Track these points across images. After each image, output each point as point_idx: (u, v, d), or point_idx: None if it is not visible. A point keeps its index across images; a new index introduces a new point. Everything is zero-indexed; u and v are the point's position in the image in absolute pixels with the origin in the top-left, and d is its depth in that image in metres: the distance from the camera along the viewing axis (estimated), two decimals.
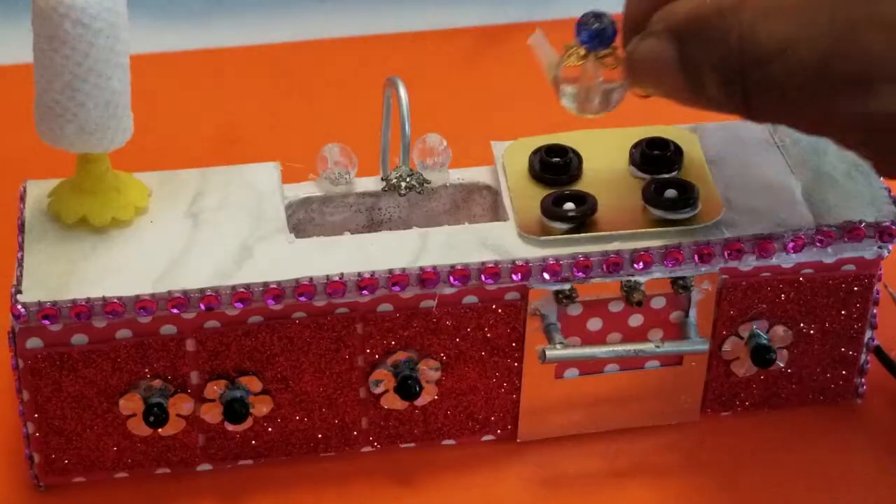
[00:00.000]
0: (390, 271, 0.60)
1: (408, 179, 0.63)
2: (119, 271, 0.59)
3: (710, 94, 0.54)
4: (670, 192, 0.62)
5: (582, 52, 0.60)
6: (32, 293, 0.58)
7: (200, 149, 0.80)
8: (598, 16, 0.59)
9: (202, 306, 0.59)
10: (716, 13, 0.53)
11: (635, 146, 0.64)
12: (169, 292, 0.59)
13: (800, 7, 0.52)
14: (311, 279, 0.59)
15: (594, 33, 0.59)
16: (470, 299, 0.61)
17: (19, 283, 0.59)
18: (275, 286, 0.59)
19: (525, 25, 0.91)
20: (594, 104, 0.60)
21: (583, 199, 0.62)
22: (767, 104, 0.53)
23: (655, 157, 0.64)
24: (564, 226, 0.61)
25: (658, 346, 0.62)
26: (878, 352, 0.67)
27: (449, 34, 0.90)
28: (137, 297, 0.58)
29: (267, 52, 0.89)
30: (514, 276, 0.60)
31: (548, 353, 0.61)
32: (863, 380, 0.67)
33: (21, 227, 0.61)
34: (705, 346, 0.62)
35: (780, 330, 0.64)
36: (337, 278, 0.59)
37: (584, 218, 0.61)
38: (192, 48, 0.89)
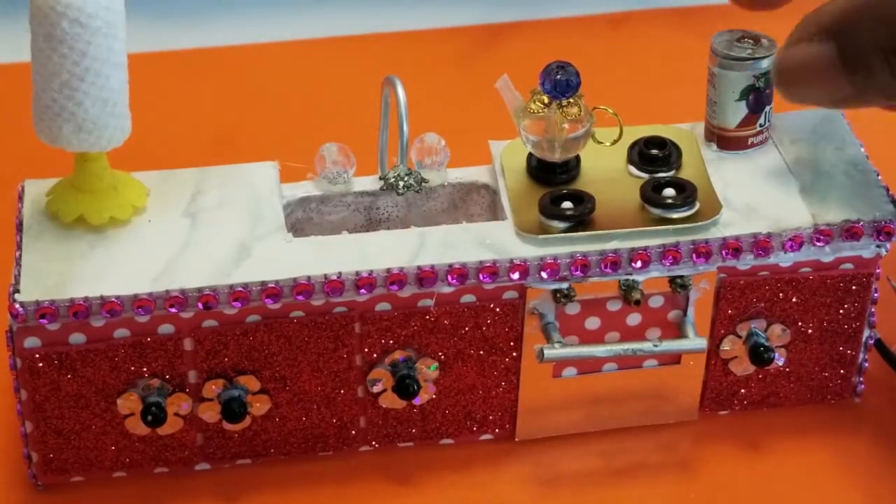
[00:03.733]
0: (388, 270, 0.60)
1: (406, 179, 0.63)
2: (117, 270, 0.59)
3: (881, 82, 0.55)
4: (668, 191, 0.62)
5: (546, 99, 0.60)
6: (30, 292, 0.58)
7: (198, 148, 0.80)
8: (562, 66, 0.59)
9: (200, 305, 0.59)
10: None
11: (633, 145, 0.64)
12: (167, 291, 0.58)
13: None
14: (309, 278, 0.59)
15: (556, 83, 0.59)
16: (468, 298, 0.61)
17: (17, 282, 0.59)
18: (273, 285, 0.59)
19: (525, 24, 0.91)
20: (556, 153, 0.60)
21: (581, 198, 0.62)
22: None
23: (654, 156, 0.64)
24: (562, 225, 0.61)
25: (656, 345, 0.62)
26: (879, 344, 0.67)
27: (447, 33, 0.90)
28: (135, 296, 0.58)
29: (265, 51, 0.89)
30: (512, 275, 0.60)
31: (546, 352, 0.61)
32: (861, 378, 0.66)
33: (19, 227, 0.61)
34: (703, 345, 0.62)
35: (778, 329, 0.64)
36: (335, 277, 0.59)
37: (582, 217, 0.61)
38: (191, 47, 0.89)
